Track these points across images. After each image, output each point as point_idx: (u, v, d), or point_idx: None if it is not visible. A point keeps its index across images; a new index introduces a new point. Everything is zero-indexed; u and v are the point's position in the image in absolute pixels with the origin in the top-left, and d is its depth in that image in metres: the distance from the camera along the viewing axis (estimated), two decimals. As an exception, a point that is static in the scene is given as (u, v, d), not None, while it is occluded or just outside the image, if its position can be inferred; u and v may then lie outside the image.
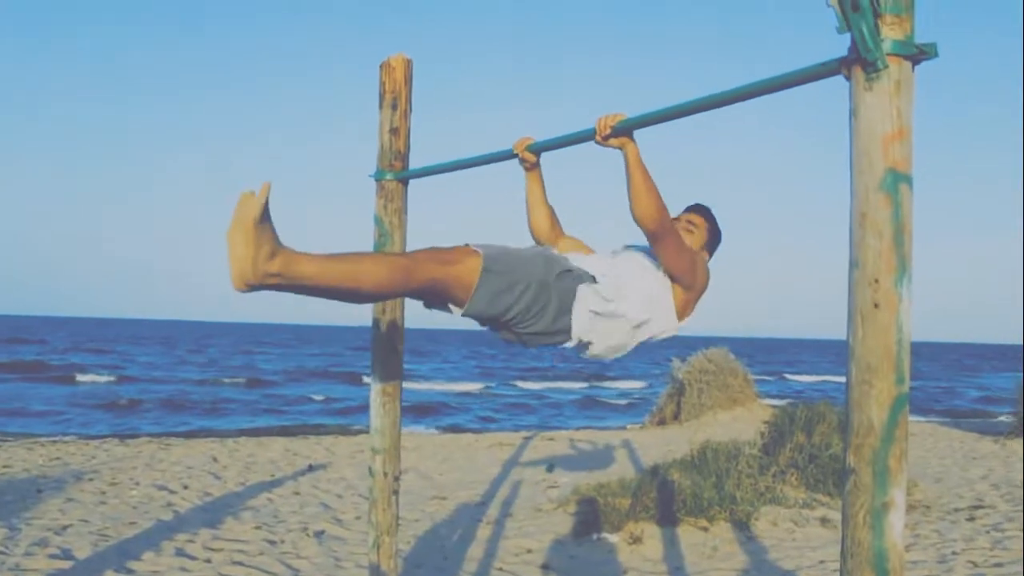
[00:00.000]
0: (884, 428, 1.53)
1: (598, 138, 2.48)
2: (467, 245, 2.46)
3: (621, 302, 2.63)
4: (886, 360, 1.53)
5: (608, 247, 2.94)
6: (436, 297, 2.44)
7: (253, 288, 2.03)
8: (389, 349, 3.34)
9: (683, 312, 2.80)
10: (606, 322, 2.64)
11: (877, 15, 1.50)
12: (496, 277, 2.42)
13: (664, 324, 2.77)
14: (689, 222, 2.95)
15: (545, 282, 2.52)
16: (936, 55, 1.54)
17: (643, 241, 2.67)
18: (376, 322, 3.32)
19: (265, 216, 2.00)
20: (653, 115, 2.30)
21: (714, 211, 3.03)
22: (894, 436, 1.53)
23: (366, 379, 35.29)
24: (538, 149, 2.84)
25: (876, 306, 1.53)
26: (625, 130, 2.44)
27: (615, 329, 2.66)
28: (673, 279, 2.74)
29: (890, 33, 1.50)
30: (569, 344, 2.65)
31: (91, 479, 9.25)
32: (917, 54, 1.53)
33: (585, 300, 2.59)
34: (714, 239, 3.00)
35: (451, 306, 2.46)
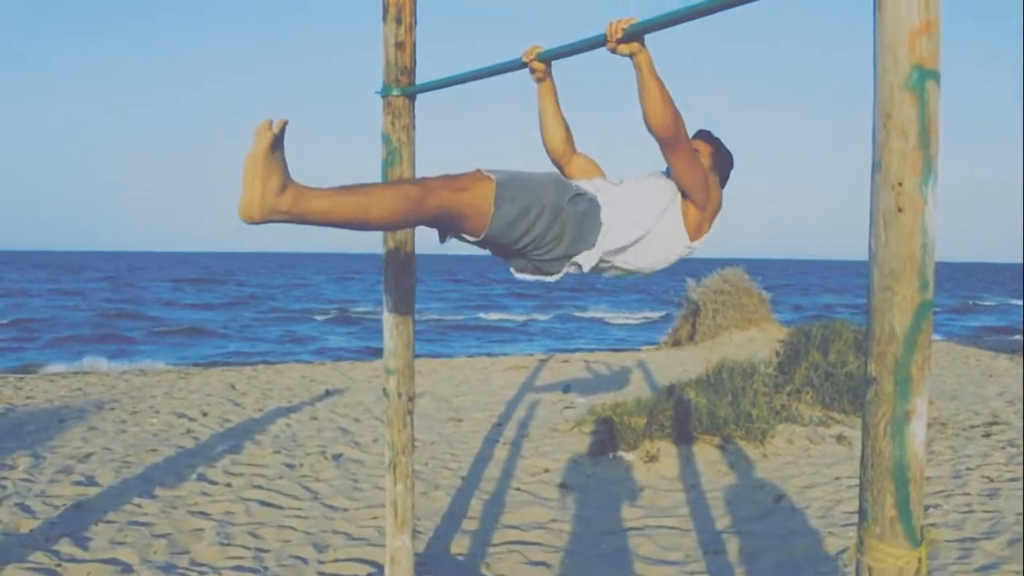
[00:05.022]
0: (907, 336, 1.47)
1: (610, 44, 2.38)
2: (479, 171, 2.39)
3: (609, 229, 2.58)
4: (909, 265, 1.47)
5: (620, 175, 2.85)
6: (449, 226, 2.39)
7: (259, 223, 2.02)
8: (400, 269, 3.30)
9: (697, 232, 2.73)
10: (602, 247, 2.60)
11: None
12: (509, 203, 2.36)
13: (670, 246, 2.71)
14: (694, 149, 2.86)
15: (559, 206, 2.46)
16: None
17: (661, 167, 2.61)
18: (387, 242, 3.28)
19: (277, 149, 1.99)
20: (666, 17, 2.19)
21: (719, 136, 2.92)
22: (917, 343, 1.48)
23: (317, 317, 34.83)
24: (548, 58, 2.74)
25: (900, 210, 1.47)
26: (637, 35, 2.34)
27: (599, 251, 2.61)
28: (685, 196, 2.66)
29: (919, -83, 1.41)
30: (585, 269, 2.61)
31: (112, 408, 9.37)
32: (948, -61, 1.44)
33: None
34: (723, 162, 2.88)
35: (465, 235, 2.40)
